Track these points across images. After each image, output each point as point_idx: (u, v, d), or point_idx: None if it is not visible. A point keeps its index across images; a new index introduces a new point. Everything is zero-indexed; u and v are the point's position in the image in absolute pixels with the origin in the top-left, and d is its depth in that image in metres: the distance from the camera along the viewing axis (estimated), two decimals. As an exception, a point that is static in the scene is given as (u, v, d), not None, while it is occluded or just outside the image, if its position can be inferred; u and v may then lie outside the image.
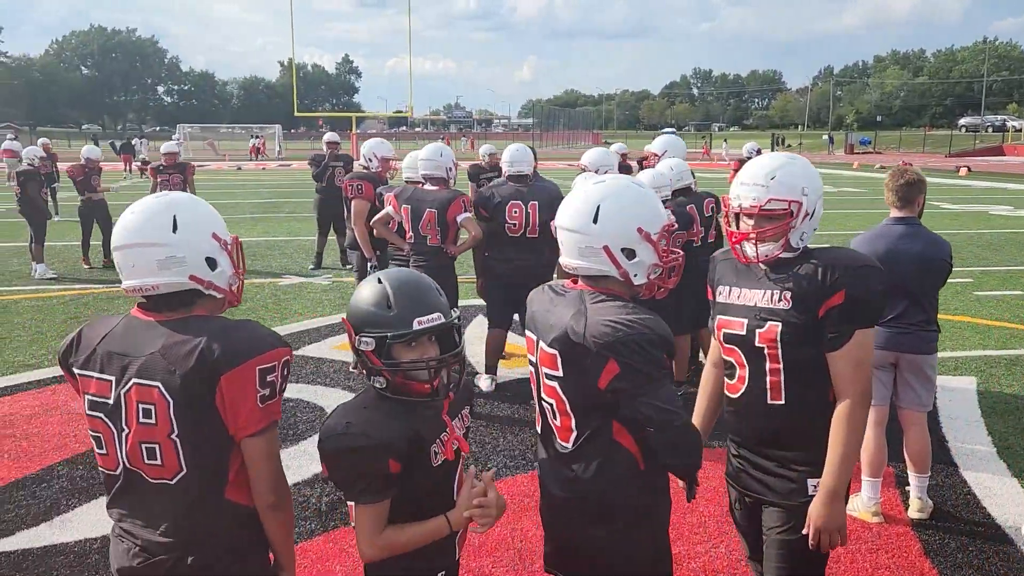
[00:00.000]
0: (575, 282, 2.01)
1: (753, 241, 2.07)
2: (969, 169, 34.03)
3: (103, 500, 4.18)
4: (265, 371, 1.76)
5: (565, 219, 1.98)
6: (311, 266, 10.40)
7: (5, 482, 4.19)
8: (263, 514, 1.84)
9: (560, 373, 1.89)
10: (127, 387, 1.76)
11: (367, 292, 1.81)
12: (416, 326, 1.76)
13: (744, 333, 2.15)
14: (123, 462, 1.83)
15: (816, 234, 2.17)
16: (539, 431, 2.07)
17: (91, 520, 3.77)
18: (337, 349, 6.62)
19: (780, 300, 2.09)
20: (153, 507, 1.82)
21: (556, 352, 1.88)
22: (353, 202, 6.06)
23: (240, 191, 23.47)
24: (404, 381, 1.79)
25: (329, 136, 10.55)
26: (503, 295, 5.44)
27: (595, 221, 1.91)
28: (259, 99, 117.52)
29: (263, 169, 36.16)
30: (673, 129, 77.97)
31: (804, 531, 2.10)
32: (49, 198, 15.85)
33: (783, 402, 2.13)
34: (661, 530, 1.98)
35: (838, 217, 15.63)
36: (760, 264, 2.15)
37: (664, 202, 5.07)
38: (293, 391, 5.59)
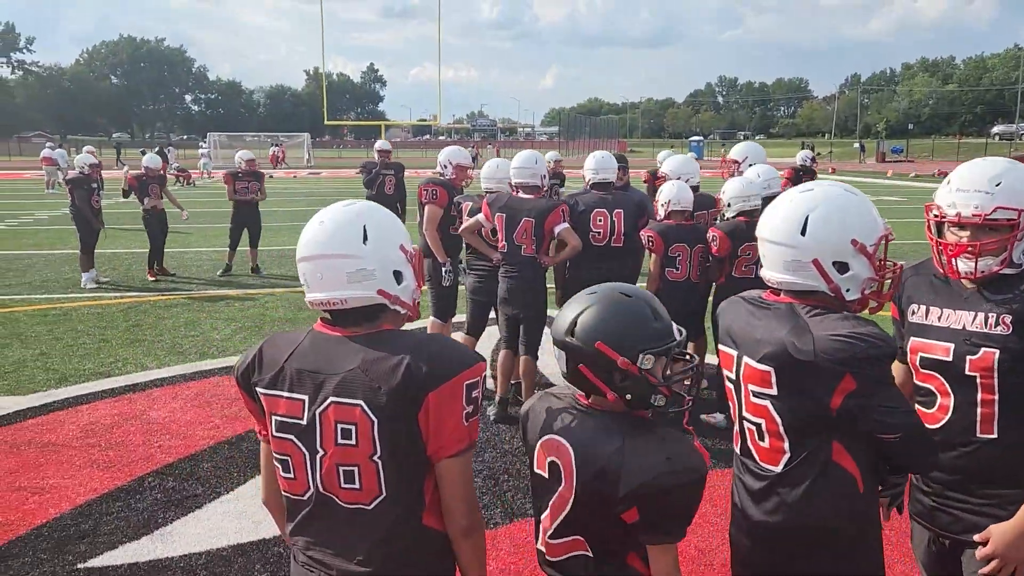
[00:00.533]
0: (776, 294, 1.88)
1: (971, 255, 1.89)
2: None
3: (199, 514, 4.18)
4: (471, 386, 1.65)
5: (768, 231, 1.85)
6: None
7: (99, 493, 4.12)
8: (456, 540, 1.74)
9: (774, 391, 1.76)
10: (324, 406, 1.66)
11: (623, 308, 1.68)
12: (678, 335, 1.68)
13: (950, 359, 1.97)
14: (315, 486, 1.71)
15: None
16: (737, 452, 1.94)
17: (192, 534, 3.69)
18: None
19: (998, 324, 1.90)
20: (348, 534, 1.71)
21: (770, 369, 1.76)
22: (427, 207, 5.97)
23: (274, 199, 23.55)
24: (674, 394, 1.68)
25: (380, 144, 10.52)
26: None
27: (803, 233, 1.78)
28: (285, 107, 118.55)
29: (294, 177, 36.37)
30: (700, 138, 77.61)
31: (980, 554, 1.92)
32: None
33: (995, 436, 1.95)
34: (879, 554, 1.85)
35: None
36: (965, 281, 1.98)
37: (752, 212, 4.95)
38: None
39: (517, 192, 5.24)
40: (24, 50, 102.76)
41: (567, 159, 50.89)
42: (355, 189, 28.12)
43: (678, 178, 5.55)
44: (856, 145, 65.16)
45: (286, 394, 1.71)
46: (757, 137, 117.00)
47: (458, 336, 6.05)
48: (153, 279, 10.06)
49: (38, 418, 5.20)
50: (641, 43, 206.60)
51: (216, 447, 4.73)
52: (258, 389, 1.75)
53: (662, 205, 5.19)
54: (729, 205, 5.10)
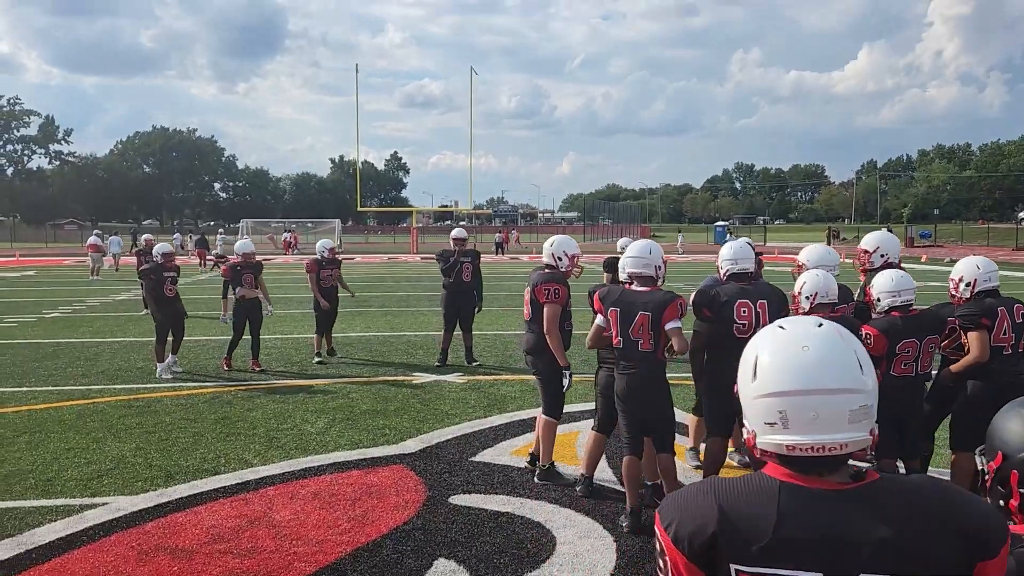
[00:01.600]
0: None
1: None
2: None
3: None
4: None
5: None
6: (436, 363, 10.13)
7: (250, 609, 3.83)
8: None
9: None
10: None
11: None
12: None
13: None
14: None
15: None
16: None
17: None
18: (515, 455, 6.25)
19: None
20: None
21: None
22: (546, 307, 5.77)
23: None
24: None
25: (457, 232, 10.46)
26: (727, 404, 5.05)
27: None
28: (310, 194, 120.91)
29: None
30: (725, 223, 77.69)
31: None
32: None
33: None
34: None
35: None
36: None
37: (904, 307, 4.74)
38: (498, 503, 5.22)
39: (631, 284, 5.04)
40: (62, 141, 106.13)
41: (589, 244, 50.94)
42: (397, 273, 28.13)
43: (818, 268, 5.37)
44: (884, 230, 65.17)
45: (790, 572, 1.37)
46: (776, 221, 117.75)
47: (580, 430, 5.67)
48: (227, 369, 9.87)
49: (158, 520, 4.94)
50: (657, 131, 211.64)
51: (356, 554, 4.43)
52: (737, 567, 1.39)
53: (806, 297, 4.96)
54: (879, 300, 4.88)
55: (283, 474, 5.82)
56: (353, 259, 39.38)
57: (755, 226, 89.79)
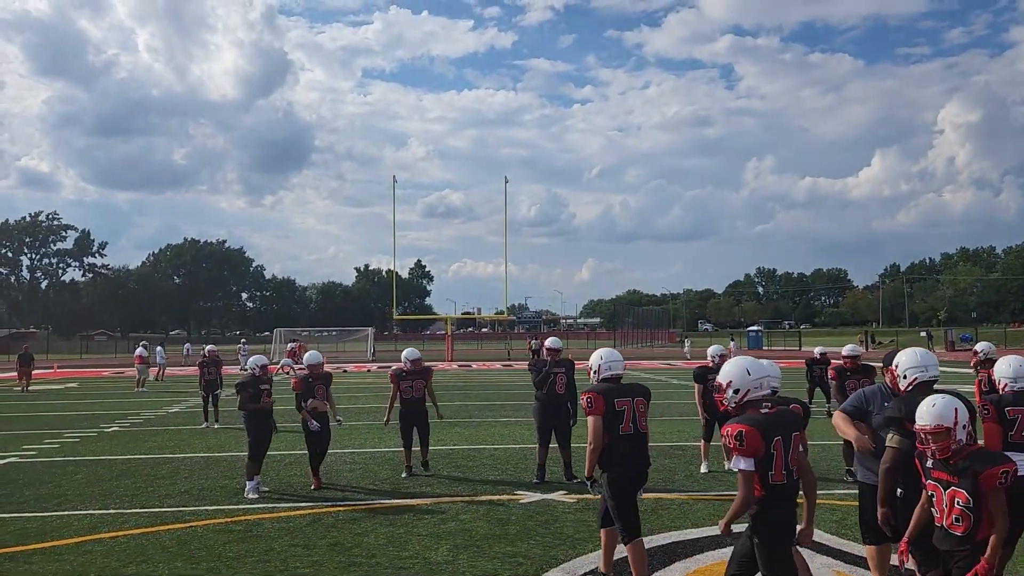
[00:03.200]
0: None
1: None
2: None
3: None
4: None
5: None
6: (535, 479, 9.55)
7: None
8: None
9: None
10: None
11: None
12: None
13: None
14: None
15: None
16: None
17: None
18: (678, 588, 5.64)
19: None
20: None
21: None
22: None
23: (368, 395, 23.15)
24: None
25: (552, 342, 10.08)
26: None
27: None
28: (336, 302, 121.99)
29: (368, 371, 36.24)
30: (758, 328, 77.10)
31: None
32: (211, 405, 15.73)
33: None
34: None
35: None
36: None
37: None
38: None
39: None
40: (96, 254, 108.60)
41: (615, 347, 50.40)
42: (445, 382, 27.36)
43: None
44: (923, 334, 64.21)
45: None
46: (803, 326, 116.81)
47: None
48: (316, 488, 9.33)
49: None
50: (674, 237, 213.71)
51: None
52: None
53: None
54: None
55: (432, 613, 5.25)
56: (390, 367, 39.02)
57: (783, 331, 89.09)
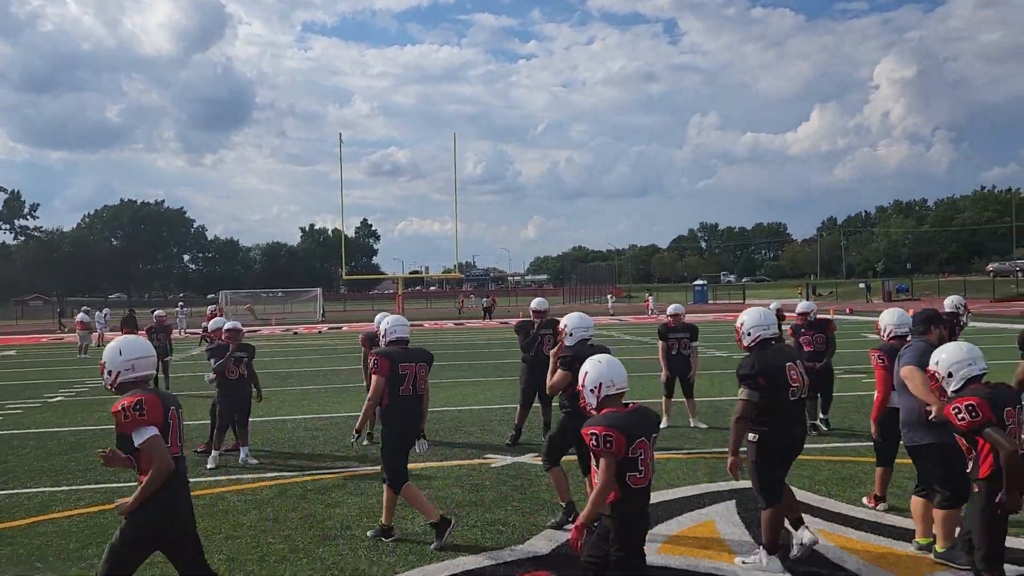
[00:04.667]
0: None
1: None
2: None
3: None
4: None
5: None
6: (508, 442, 9.45)
7: None
8: None
9: None
10: None
11: None
12: None
13: None
14: None
15: None
16: None
17: None
18: (663, 553, 5.58)
19: None
20: None
21: None
22: None
23: (321, 357, 22.77)
24: None
25: (536, 303, 9.88)
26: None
27: None
28: (280, 264, 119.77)
29: (319, 332, 35.73)
30: (704, 282, 78.40)
31: None
32: (160, 372, 15.19)
33: None
34: None
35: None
36: None
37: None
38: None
39: None
40: (28, 216, 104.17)
41: (562, 307, 51.40)
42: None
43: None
44: (861, 285, 66.03)
45: None
46: (744, 279, 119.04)
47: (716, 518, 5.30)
48: (235, 448, 9.12)
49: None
50: (620, 194, 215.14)
51: None
52: None
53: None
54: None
55: (420, 588, 5.09)
56: (341, 328, 38.54)
57: (722, 285, 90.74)
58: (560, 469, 6.25)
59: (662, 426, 10.18)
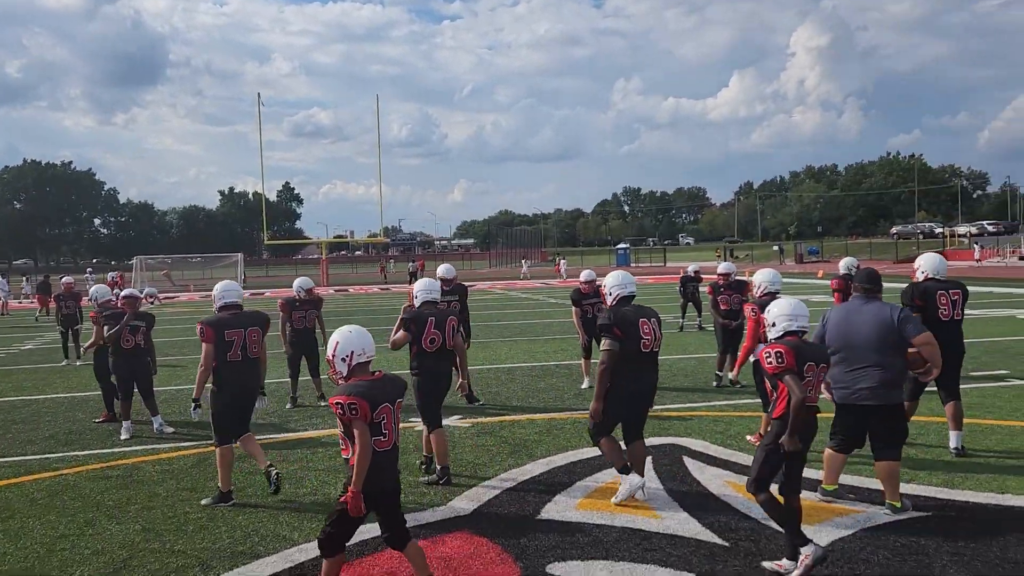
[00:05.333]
0: None
1: None
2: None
3: None
4: None
5: None
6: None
7: None
8: None
9: None
10: None
11: None
12: None
13: None
14: None
15: None
16: None
17: None
18: (582, 509, 5.73)
19: None
20: None
21: None
22: None
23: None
24: None
25: (444, 270, 9.88)
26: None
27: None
28: (199, 228, 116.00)
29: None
30: (626, 246, 79.43)
31: None
32: (71, 341, 14.64)
33: None
34: None
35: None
36: None
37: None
38: (603, 570, 4.69)
39: None
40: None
41: (488, 270, 52.02)
42: (329, 308, 26.38)
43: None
44: (775, 247, 68.16)
45: None
46: (666, 242, 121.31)
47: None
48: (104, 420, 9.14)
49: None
50: (545, 158, 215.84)
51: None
52: None
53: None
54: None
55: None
56: (263, 294, 37.74)
57: (643, 248, 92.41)
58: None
59: (583, 386, 10.39)
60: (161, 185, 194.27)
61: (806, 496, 5.82)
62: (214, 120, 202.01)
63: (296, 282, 10.20)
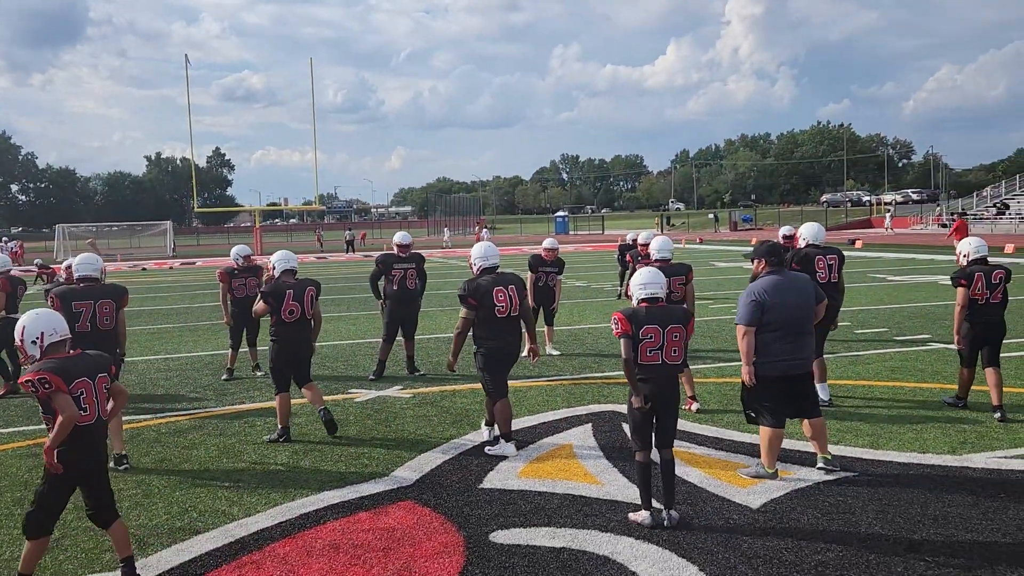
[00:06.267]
0: None
1: None
2: (862, 242, 36.64)
3: None
4: None
5: None
6: (371, 376, 9.44)
7: None
8: None
9: None
10: None
11: None
12: None
13: None
14: None
15: None
16: None
17: None
18: (524, 477, 5.81)
19: None
20: None
21: None
22: None
23: (173, 294, 21.69)
24: None
25: (400, 237, 9.72)
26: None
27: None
28: (125, 195, 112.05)
29: (170, 268, 33.91)
30: (564, 214, 79.79)
31: None
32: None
33: None
34: None
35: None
36: None
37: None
38: (546, 537, 4.76)
39: None
40: None
41: (426, 238, 51.70)
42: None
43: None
44: (710, 216, 69.34)
45: None
46: (603, 210, 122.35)
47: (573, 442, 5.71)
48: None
49: (164, 602, 4.10)
50: (484, 125, 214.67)
51: (433, 618, 3.86)
52: None
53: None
54: None
55: (278, 525, 5.06)
56: (194, 263, 36.78)
57: (586, 216, 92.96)
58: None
59: (523, 354, 10.43)
60: (83, 150, 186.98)
61: (733, 458, 6.01)
62: (139, 83, 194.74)
63: (233, 250, 9.95)
